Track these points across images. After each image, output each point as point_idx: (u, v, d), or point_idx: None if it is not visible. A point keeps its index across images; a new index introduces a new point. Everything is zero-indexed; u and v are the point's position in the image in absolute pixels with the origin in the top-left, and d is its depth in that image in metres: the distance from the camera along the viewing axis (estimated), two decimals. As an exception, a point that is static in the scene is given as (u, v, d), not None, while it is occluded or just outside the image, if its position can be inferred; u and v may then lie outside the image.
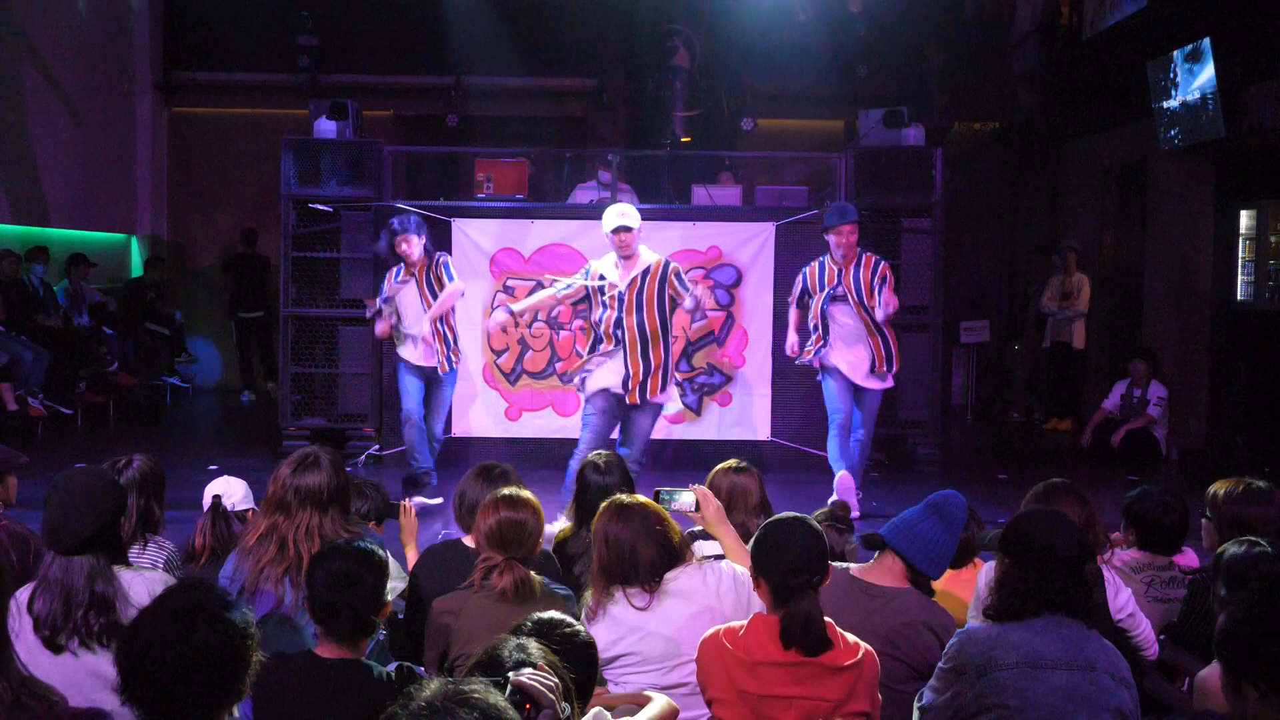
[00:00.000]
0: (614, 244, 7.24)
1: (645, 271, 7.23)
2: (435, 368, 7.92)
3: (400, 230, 7.81)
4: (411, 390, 7.98)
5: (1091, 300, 11.92)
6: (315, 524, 3.77)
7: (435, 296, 7.87)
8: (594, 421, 7.22)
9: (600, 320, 7.24)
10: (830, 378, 7.91)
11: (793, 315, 8.10)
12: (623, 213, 7.30)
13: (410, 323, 7.92)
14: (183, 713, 2.34)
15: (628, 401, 7.22)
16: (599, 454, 4.75)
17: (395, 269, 7.98)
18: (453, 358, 7.97)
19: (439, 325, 7.86)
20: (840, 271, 7.83)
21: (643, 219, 9.67)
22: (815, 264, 7.98)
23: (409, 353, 7.98)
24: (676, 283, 7.28)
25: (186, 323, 13.89)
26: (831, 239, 7.81)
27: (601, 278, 7.28)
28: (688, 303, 7.31)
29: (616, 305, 7.19)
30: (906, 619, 3.53)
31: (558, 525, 4.87)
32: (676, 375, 7.34)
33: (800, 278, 8.07)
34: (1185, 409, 10.62)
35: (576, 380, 7.50)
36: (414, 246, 7.82)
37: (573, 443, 9.32)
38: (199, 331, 14.26)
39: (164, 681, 2.32)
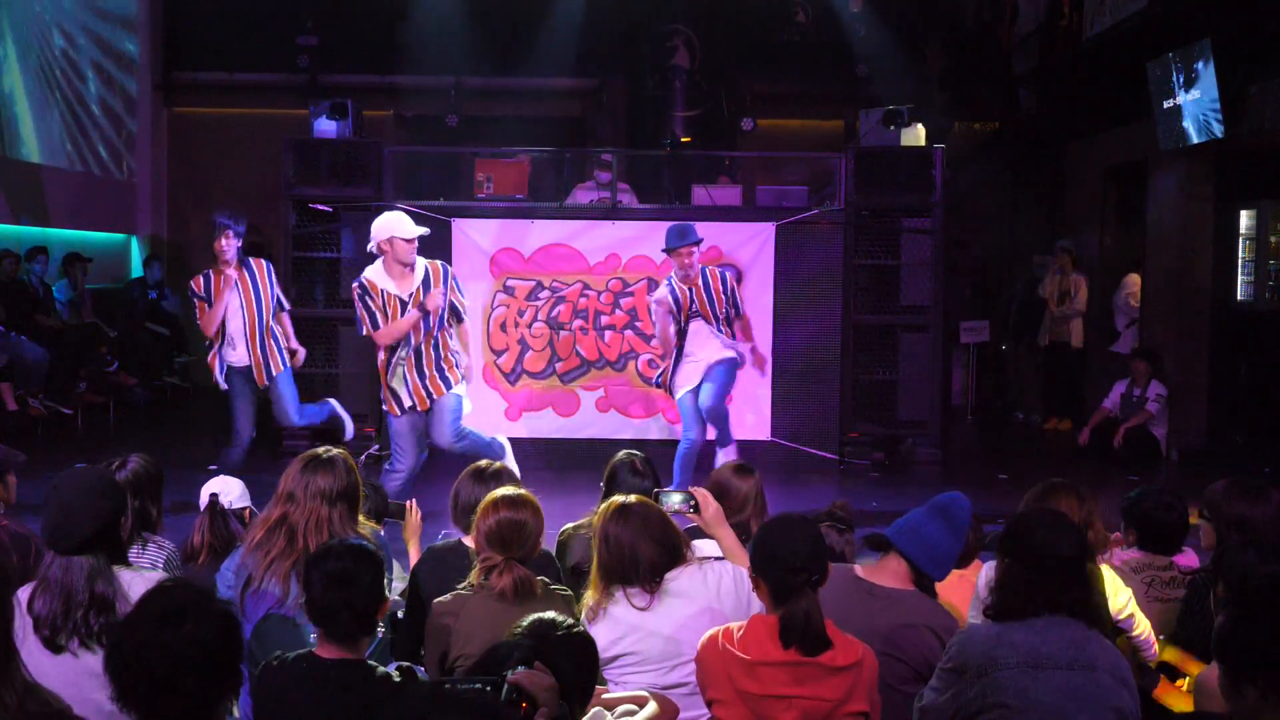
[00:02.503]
0: (402, 253, 6.82)
1: (426, 279, 6.92)
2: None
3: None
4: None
5: (1091, 300, 11.92)
6: (325, 516, 3.79)
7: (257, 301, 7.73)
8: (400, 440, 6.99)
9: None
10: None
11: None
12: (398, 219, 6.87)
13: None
14: (182, 710, 2.35)
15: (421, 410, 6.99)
16: (633, 454, 4.73)
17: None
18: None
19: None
20: (690, 290, 7.60)
21: (643, 219, 9.76)
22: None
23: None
24: (458, 289, 7.03)
25: (186, 322, 13.88)
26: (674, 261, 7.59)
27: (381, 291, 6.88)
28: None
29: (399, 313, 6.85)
30: (909, 620, 3.53)
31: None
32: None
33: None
34: (1185, 409, 10.61)
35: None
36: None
37: (573, 443, 9.40)
38: (199, 331, 14.23)
39: (160, 681, 2.32)
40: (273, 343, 7.81)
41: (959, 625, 3.62)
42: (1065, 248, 12.02)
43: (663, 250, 7.74)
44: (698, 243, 7.59)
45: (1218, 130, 9.31)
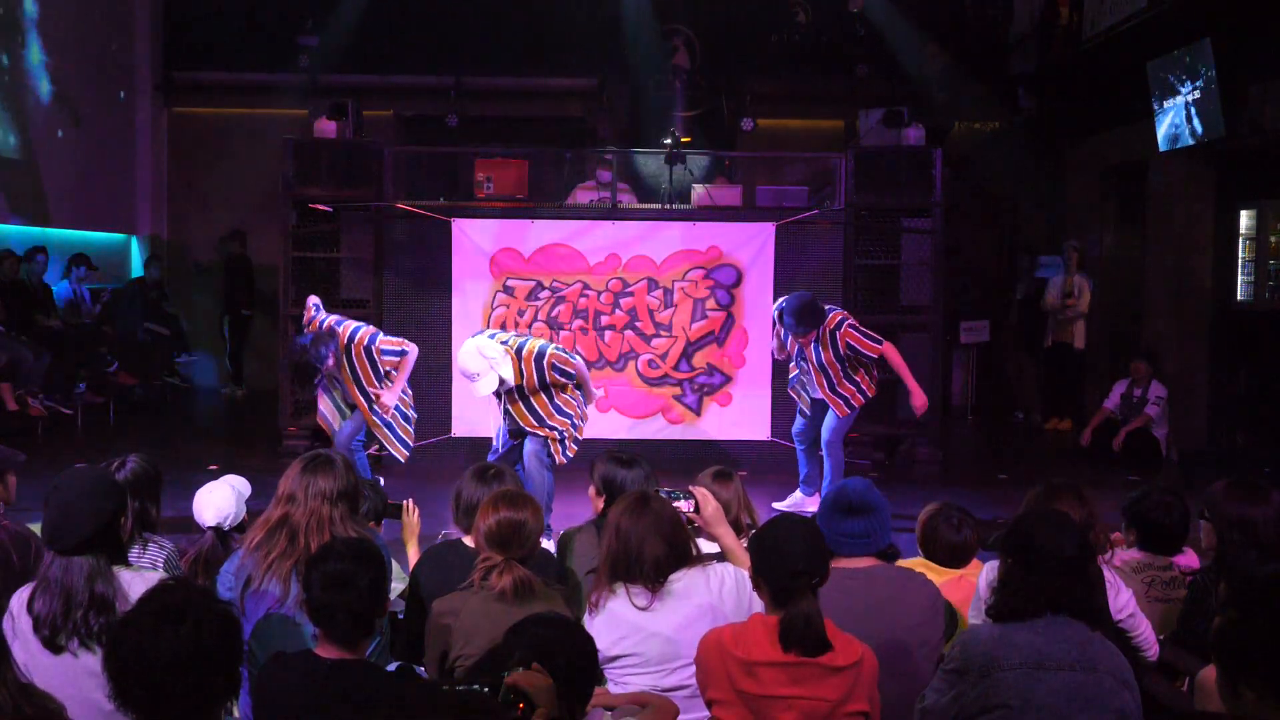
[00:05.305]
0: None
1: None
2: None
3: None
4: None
5: (1092, 300, 11.92)
6: (326, 516, 3.79)
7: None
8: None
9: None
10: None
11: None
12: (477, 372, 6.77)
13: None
14: (182, 710, 2.34)
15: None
16: (613, 452, 4.76)
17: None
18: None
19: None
20: (801, 348, 7.83)
21: (643, 219, 9.76)
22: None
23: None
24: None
25: (186, 322, 13.88)
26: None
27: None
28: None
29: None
30: (888, 590, 3.64)
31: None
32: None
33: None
34: (1185, 409, 10.61)
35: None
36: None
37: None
38: (199, 331, 14.25)
39: (160, 681, 2.32)
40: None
41: (935, 585, 3.75)
42: (1074, 247, 12.03)
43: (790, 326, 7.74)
44: (811, 331, 7.68)
45: (1218, 130, 9.31)
